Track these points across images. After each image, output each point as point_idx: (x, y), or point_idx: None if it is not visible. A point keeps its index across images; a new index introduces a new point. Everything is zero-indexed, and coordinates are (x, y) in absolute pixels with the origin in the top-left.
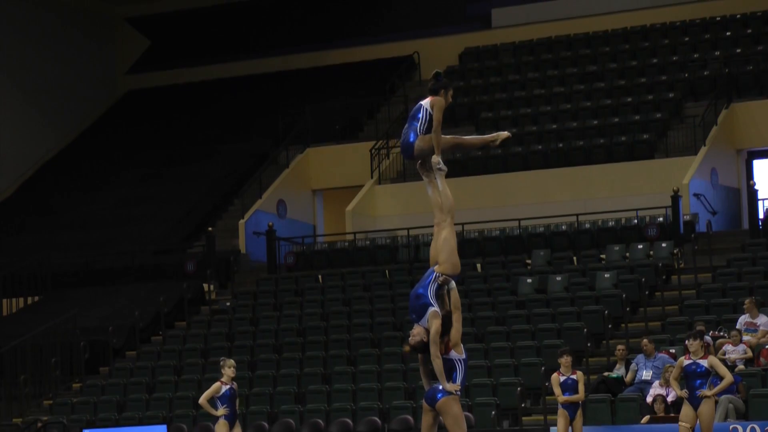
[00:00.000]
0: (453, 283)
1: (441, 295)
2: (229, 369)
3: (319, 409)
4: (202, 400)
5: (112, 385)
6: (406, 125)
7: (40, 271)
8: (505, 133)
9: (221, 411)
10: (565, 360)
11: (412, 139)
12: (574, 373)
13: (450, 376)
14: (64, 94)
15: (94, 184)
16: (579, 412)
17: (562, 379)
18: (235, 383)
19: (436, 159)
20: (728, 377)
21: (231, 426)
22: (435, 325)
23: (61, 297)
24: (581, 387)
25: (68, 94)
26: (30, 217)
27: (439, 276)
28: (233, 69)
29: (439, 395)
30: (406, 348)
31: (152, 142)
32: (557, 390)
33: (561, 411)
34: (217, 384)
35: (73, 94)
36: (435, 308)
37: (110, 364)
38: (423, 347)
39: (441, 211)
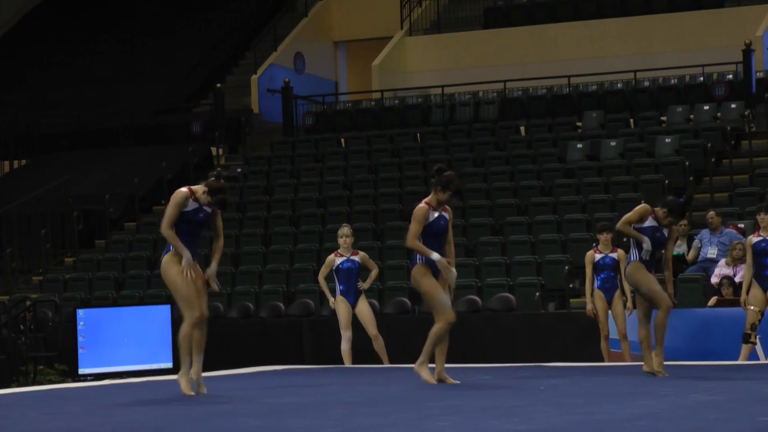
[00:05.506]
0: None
1: None
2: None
3: None
4: (320, 277)
5: (108, 259)
6: None
7: (28, 132)
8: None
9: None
10: (605, 237)
11: None
12: (614, 251)
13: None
14: None
15: (89, 35)
16: (617, 294)
17: (598, 257)
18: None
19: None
20: None
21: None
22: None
23: (52, 161)
24: (622, 267)
25: None
26: (16, 71)
27: None
28: None
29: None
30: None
31: None
32: (588, 269)
33: (597, 293)
34: (331, 257)
35: None
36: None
37: (107, 236)
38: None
39: None
